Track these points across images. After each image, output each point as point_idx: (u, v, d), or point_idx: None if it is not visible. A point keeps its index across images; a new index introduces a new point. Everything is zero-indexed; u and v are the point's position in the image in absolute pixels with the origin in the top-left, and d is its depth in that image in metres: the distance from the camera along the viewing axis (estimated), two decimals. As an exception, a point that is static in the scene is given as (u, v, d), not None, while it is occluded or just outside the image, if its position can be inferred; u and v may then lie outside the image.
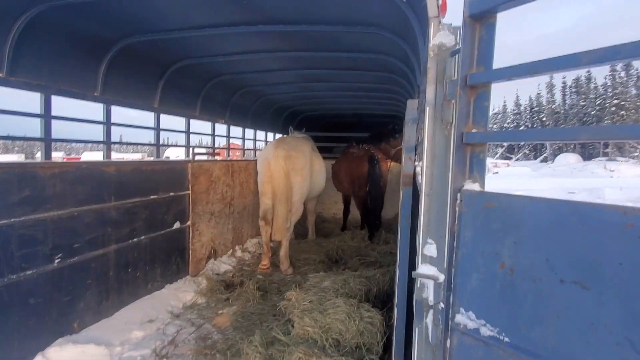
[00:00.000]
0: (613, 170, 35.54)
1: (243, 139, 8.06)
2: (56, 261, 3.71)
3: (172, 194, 5.42)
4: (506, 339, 1.12)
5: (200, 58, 5.01)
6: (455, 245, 1.40)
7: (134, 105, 4.79)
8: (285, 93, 7.73)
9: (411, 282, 3.07)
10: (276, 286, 5.96)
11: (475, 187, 1.37)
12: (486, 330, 1.18)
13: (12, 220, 3.28)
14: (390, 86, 6.40)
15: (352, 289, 4.42)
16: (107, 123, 4.43)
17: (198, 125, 6.49)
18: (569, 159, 43.58)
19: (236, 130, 7.75)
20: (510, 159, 49.69)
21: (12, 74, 3.35)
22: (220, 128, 7.16)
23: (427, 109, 1.65)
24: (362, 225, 8.97)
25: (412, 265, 3.07)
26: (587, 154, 51.20)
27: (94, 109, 4.55)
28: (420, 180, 1.70)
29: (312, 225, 8.33)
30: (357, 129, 10.77)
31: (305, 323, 3.76)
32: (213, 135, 6.77)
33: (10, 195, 3.26)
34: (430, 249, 1.64)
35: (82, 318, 4.02)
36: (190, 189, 5.81)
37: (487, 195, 1.27)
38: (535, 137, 1.47)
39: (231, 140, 7.62)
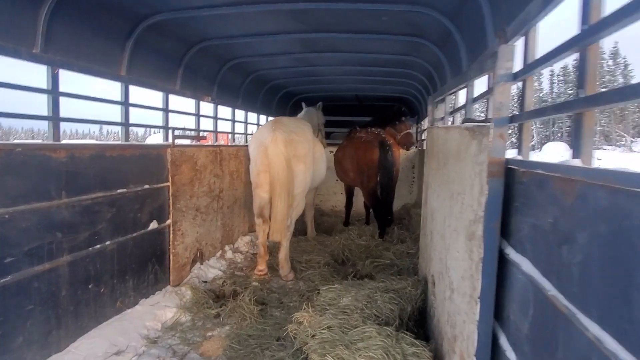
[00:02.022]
0: (600, 159, 35.48)
1: (233, 121, 6.94)
2: (-22, 284, 2.63)
3: (147, 186, 4.33)
4: None
5: (179, 11, 3.88)
6: None
7: (93, 71, 3.65)
8: (282, 68, 6.63)
9: (499, 317, 2.12)
10: (276, 297, 4.96)
11: None
12: None
13: None
14: (413, 58, 5.36)
15: (381, 310, 3.44)
16: (54, 92, 3.30)
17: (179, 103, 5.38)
18: (558, 148, 43.33)
19: (224, 111, 6.63)
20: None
21: None
22: (206, 108, 6.04)
23: None
24: (367, 220, 8.02)
25: (499, 293, 2.10)
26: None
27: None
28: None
29: (311, 220, 7.33)
30: (356, 112, 9.73)
31: (327, 363, 2.77)
32: (197, 115, 5.64)
33: None
34: None
35: (22, 357, 2.95)
36: (170, 179, 4.73)
37: None
38: None
39: (217, 124, 6.49)
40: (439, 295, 3.35)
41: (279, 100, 8.68)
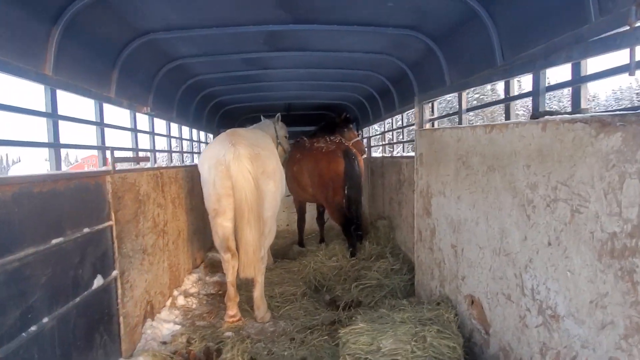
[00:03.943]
0: None
1: (169, 137, 5.72)
2: None
3: (87, 230, 3.12)
4: None
5: None
6: None
7: (8, 67, 2.41)
8: (226, 72, 5.68)
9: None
10: (263, 346, 4.04)
11: None
12: None
13: None
14: (387, 56, 4.87)
15: (439, 350, 2.83)
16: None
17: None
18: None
19: (159, 126, 5.41)
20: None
21: None
22: (140, 122, 4.80)
23: None
24: (322, 237, 7.39)
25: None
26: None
27: None
28: None
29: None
30: (286, 122, 9.07)
31: None
32: (135, 130, 4.41)
33: None
34: None
35: None
36: (112, 217, 3.53)
37: None
38: None
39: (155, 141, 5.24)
40: (500, 321, 2.87)
41: (209, 112, 7.61)
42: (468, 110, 3.84)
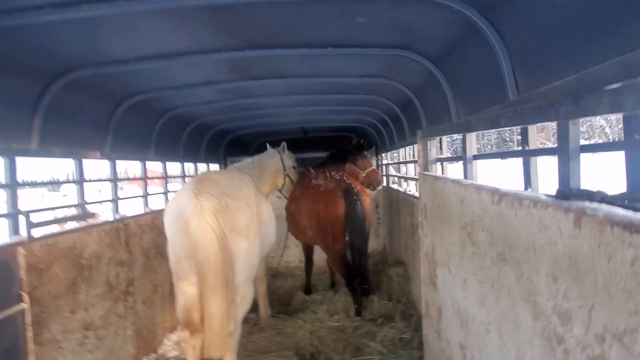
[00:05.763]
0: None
1: (144, 179, 5.09)
2: None
3: (-29, 326, 2.44)
4: None
5: (34, 12, 2.15)
6: None
7: None
8: (207, 103, 4.99)
9: None
10: None
11: None
12: None
13: None
14: (385, 80, 3.97)
15: None
16: None
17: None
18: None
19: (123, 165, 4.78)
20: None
21: None
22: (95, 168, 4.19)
23: None
24: (333, 283, 6.45)
25: None
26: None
27: None
28: None
29: (264, 297, 5.57)
30: (303, 147, 8.20)
31: None
32: (80, 182, 3.78)
33: None
34: None
35: None
36: (26, 298, 2.85)
37: None
38: None
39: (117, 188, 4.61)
40: None
41: (210, 141, 6.96)
42: (476, 157, 2.80)
